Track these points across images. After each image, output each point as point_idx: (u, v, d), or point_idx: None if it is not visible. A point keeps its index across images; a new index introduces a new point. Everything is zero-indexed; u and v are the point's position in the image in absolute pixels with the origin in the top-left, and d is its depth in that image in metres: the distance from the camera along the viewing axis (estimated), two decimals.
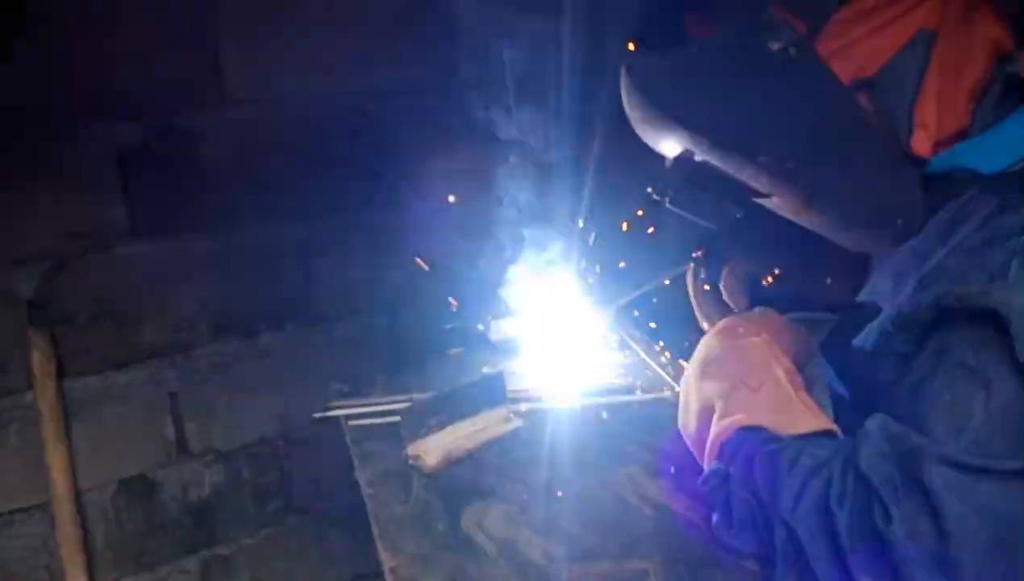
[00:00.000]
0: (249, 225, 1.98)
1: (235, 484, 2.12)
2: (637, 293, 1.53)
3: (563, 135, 1.95)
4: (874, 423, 0.91)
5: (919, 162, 0.99)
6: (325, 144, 2.02)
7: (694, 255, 1.39)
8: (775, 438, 0.98)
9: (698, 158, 0.98)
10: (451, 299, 1.74)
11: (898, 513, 0.81)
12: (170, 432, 2.00)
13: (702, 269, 1.40)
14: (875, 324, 0.98)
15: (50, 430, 1.81)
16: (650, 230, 1.81)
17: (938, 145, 0.98)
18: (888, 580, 0.83)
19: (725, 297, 1.36)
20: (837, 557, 0.86)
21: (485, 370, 1.36)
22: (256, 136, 1.93)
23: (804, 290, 1.41)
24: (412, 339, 2.23)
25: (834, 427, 1.00)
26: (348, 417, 1.28)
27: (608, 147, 1.85)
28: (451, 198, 2.04)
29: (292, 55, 1.92)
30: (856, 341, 1.02)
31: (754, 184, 0.97)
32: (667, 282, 1.46)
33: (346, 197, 2.07)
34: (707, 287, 1.39)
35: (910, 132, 0.97)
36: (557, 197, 1.83)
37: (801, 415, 1.01)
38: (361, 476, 1.15)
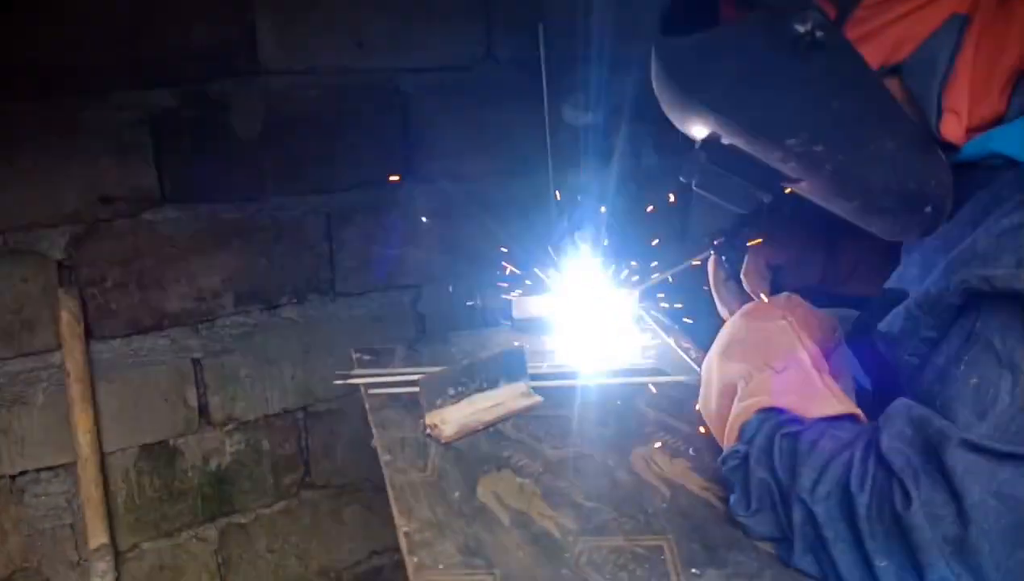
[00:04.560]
0: (277, 196, 1.99)
1: (254, 455, 2.14)
2: (659, 277, 1.52)
3: (595, 118, 1.94)
4: (897, 406, 0.90)
5: (950, 148, 0.97)
6: (355, 119, 2.02)
7: (715, 242, 1.38)
8: (797, 419, 0.97)
9: (726, 141, 0.96)
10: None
11: (918, 497, 0.80)
12: (193, 400, 2.02)
13: (723, 257, 1.38)
14: (901, 308, 0.97)
15: (77, 391, 1.84)
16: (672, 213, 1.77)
17: (970, 131, 0.96)
18: (906, 565, 0.82)
19: (746, 286, 1.35)
20: (855, 540, 0.85)
21: (507, 345, 1.35)
22: (288, 108, 1.94)
23: (828, 282, 1.39)
24: (435, 316, 2.25)
25: (857, 411, 0.99)
26: (368, 386, 1.28)
27: (637, 130, 1.84)
28: (483, 177, 2.02)
29: (327, 28, 1.93)
30: (881, 325, 1.00)
31: (783, 169, 0.95)
32: (690, 268, 1.44)
33: (374, 172, 2.07)
34: (728, 275, 1.38)
35: (940, 117, 0.96)
36: (589, 177, 1.82)
37: (824, 398, 1.00)
38: (379, 443, 1.15)
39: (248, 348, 2.06)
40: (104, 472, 1.92)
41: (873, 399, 1.12)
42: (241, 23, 1.84)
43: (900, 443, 0.85)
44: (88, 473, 1.88)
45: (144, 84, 1.78)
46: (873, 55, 0.94)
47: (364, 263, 2.14)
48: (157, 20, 1.75)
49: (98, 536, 1.90)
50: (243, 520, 2.17)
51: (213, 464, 2.09)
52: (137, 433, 1.98)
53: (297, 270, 2.07)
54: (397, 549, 1.02)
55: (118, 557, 1.97)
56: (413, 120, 2.10)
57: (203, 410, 2.05)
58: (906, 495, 0.81)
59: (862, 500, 0.85)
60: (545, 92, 1.93)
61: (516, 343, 1.30)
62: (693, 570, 0.93)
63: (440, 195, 2.12)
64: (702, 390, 1.17)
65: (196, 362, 2.01)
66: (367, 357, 1.39)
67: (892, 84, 0.96)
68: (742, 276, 1.36)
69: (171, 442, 2.02)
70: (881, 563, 0.83)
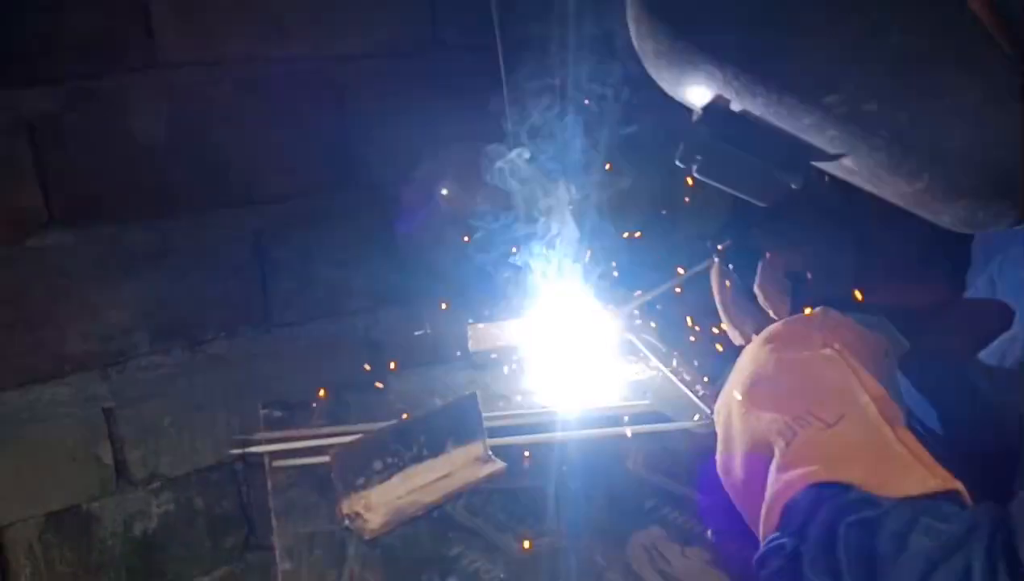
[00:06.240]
0: (193, 212, 1.75)
1: (187, 515, 1.92)
2: (651, 295, 1.29)
3: (567, 103, 1.72)
4: None
5: None
6: (283, 116, 1.78)
7: (719, 247, 1.18)
8: (869, 500, 0.69)
9: (736, 107, 0.73)
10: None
11: None
12: (107, 456, 1.80)
13: (730, 265, 1.18)
14: (1019, 330, 0.69)
15: None
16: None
17: None
18: None
19: (761, 301, 1.13)
20: None
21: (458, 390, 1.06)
22: (196, 106, 1.69)
23: (871, 293, 1.14)
24: (393, 343, 1.98)
25: (959, 485, 0.70)
26: (272, 455, 0.98)
27: (623, 118, 1.63)
28: (435, 180, 1.80)
29: (238, 10, 1.69)
30: (984, 355, 0.72)
31: (816, 140, 0.72)
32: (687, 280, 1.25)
33: (309, 179, 1.85)
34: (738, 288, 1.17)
35: None
36: (561, 175, 1.59)
37: (908, 466, 0.72)
38: (278, 541, 0.85)
39: (170, 392, 1.83)
40: (2, 549, 1.71)
41: (945, 450, 0.84)
42: (134, 6, 1.60)
43: None
44: None
45: (17, 83, 1.53)
46: None
47: (303, 286, 1.91)
48: (29, 4, 1.50)
49: None
50: None
51: (137, 529, 1.87)
52: (41, 500, 1.75)
53: (224, 298, 1.84)
54: None
55: None
56: (353, 114, 1.87)
57: (121, 468, 1.82)
58: None
59: None
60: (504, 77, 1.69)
61: (468, 389, 1.00)
62: None
63: (388, 202, 1.89)
64: (720, 448, 0.89)
65: (108, 412, 1.78)
66: (277, 413, 1.09)
67: (977, 5, 0.69)
68: (755, 289, 1.13)
69: (84, 507, 1.80)
70: None
